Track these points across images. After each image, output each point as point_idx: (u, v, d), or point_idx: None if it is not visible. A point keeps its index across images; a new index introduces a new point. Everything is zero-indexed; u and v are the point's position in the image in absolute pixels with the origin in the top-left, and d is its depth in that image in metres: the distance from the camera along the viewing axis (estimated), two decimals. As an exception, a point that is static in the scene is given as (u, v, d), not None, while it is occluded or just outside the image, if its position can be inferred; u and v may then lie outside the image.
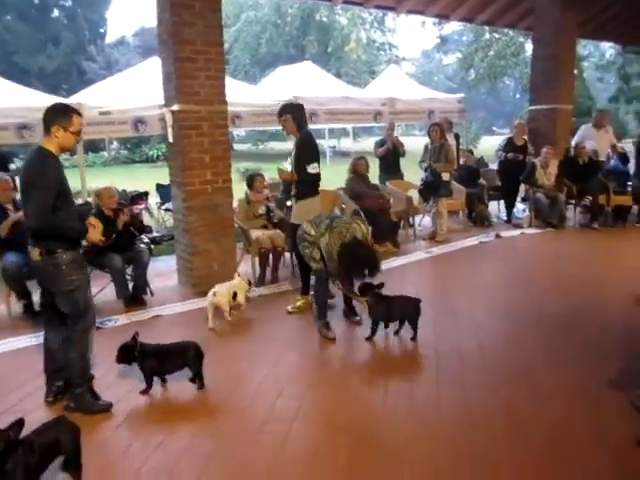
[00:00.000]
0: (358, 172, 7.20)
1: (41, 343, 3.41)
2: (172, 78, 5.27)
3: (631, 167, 8.92)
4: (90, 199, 7.29)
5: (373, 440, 2.93)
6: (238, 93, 8.71)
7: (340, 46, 27.25)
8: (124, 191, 8.02)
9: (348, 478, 2.64)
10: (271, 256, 5.80)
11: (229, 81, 9.64)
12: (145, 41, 28.78)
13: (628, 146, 10.26)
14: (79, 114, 3.17)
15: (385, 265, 6.42)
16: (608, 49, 21.58)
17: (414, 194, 7.85)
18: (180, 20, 5.12)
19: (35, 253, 3.05)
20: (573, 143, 9.09)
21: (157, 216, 8.84)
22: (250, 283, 4.91)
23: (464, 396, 3.36)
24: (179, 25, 5.13)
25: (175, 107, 5.28)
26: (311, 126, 13.53)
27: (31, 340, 4.26)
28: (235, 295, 4.60)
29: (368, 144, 26.54)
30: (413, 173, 8.80)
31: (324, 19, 26.88)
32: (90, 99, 7.84)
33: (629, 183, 8.77)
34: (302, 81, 10.05)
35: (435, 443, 2.87)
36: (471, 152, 9.68)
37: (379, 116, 9.44)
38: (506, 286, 5.80)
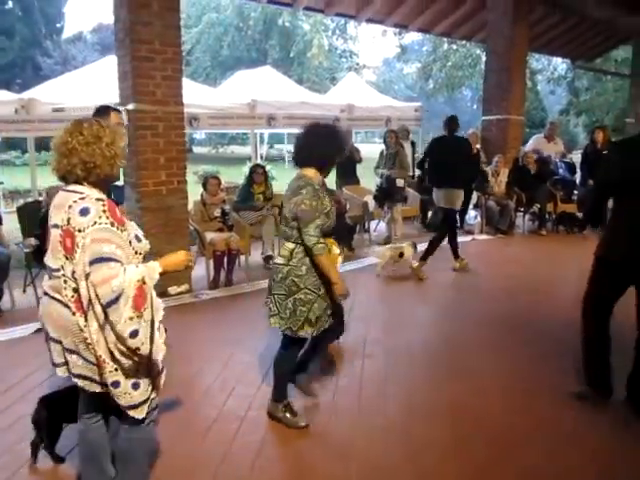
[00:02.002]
0: (315, 176, 7.28)
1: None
2: (128, 77, 5.22)
3: (578, 177, 9.32)
4: (41, 198, 7.14)
5: (321, 437, 2.99)
6: (196, 95, 8.68)
7: (302, 52, 27.37)
8: (77, 191, 7.86)
9: (296, 476, 2.69)
10: (226, 259, 5.80)
11: (188, 83, 9.59)
12: (103, 38, 28.23)
13: (577, 157, 10.69)
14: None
15: (342, 268, 6.53)
16: (560, 64, 22.36)
17: (370, 200, 7.99)
18: (137, 19, 5.08)
19: None
20: (522, 152, 9.42)
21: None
22: (415, 246, 6.32)
23: (409, 394, 3.47)
24: (136, 24, 5.09)
25: (130, 106, 5.24)
26: (270, 130, 13.57)
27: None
28: (402, 254, 6.08)
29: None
30: (370, 179, 8.94)
31: (287, 24, 26.91)
32: (44, 95, 7.68)
33: (575, 192, 9.16)
34: (262, 85, 10.10)
35: (381, 437, 2.95)
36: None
37: (337, 122, 9.55)
38: (455, 289, 5.98)
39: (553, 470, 2.70)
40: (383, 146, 7.97)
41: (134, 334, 1.95)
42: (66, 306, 2.02)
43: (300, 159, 2.96)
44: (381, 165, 7.79)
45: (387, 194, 7.65)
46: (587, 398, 3.32)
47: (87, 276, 1.93)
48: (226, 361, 3.96)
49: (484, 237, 8.44)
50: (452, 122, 6.21)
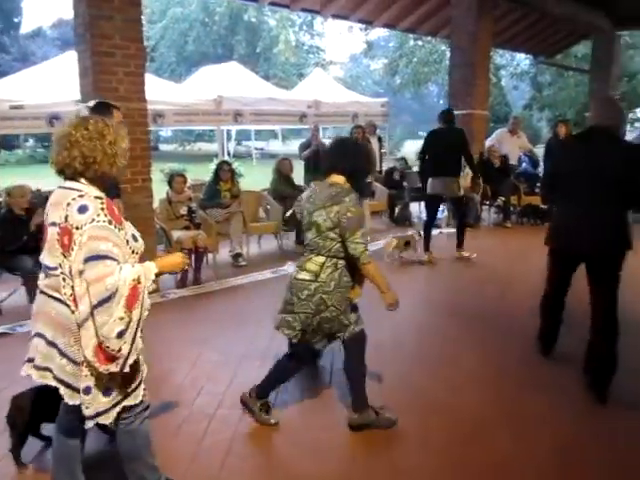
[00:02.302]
0: (282, 173, 7.27)
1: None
2: (89, 73, 5.11)
3: (541, 170, 9.52)
4: (0, 198, 6.92)
5: (292, 434, 2.99)
6: (161, 91, 8.56)
7: (269, 47, 27.27)
8: (38, 191, 7.66)
9: (266, 473, 2.69)
10: (193, 257, 5.74)
11: (152, 79, 9.44)
12: (63, 33, 27.57)
13: (541, 151, 10.92)
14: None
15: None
16: (523, 59, 22.78)
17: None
18: (97, 13, 4.97)
19: None
20: (487, 146, 9.57)
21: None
22: (420, 235, 6.72)
23: (380, 387, 3.50)
24: (96, 18, 4.98)
25: (92, 103, 5.12)
26: (236, 126, 13.51)
27: None
28: (407, 243, 6.45)
29: (297, 146, 26.70)
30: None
31: (253, 19, 26.80)
32: (2, 92, 7.45)
33: (538, 184, 9.35)
34: (227, 81, 10.02)
35: (353, 432, 2.97)
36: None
37: (304, 118, 9.56)
38: (424, 282, 6.05)
39: (522, 453, 2.76)
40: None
41: (121, 334, 1.92)
42: (65, 304, 2.00)
43: (331, 165, 2.88)
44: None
45: (354, 189, 7.66)
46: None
47: (81, 273, 1.90)
48: (195, 360, 3.92)
49: (451, 230, 8.55)
50: (448, 114, 6.71)
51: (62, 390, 2.04)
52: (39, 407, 2.56)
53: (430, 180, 6.76)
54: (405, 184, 9.21)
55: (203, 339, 4.31)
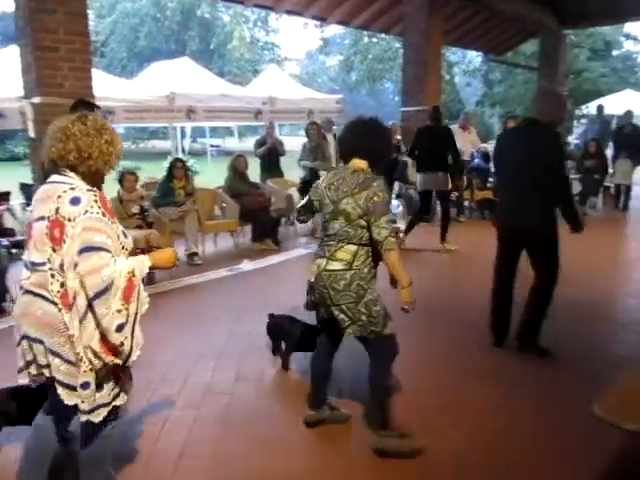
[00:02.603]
0: (237, 170, 7.21)
1: None
2: (31, 68, 4.94)
3: (492, 165, 9.76)
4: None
5: (248, 433, 2.97)
6: (111, 87, 8.35)
7: (223, 43, 26.94)
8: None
9: (221, 475, 2.66)
10: (147, 256, 5.61)
11: (101, 74, 9.20)
12: (6, 27, 26.46)
13: (492, 147, 11.17)
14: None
15: (266, 262, 6.53)
16: (475, 57, 23.24)
17: (294, 192, 8.00)
18: (39, 6, 4.81)
19: None
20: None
21: (21, 218, 8.20)
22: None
23: (336, 380, 3.51)
24: (38, 11, 4.81)
25: (36, 99, 4.96)
26: (189, 123, 13.29)
27: None
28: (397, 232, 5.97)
29: (253, 143, 26.48)
30: (296, 172, 8.95)
31: (206, 15, 26.40)
32: (-62, 89, 7.11)
33: (490, 179, 9.58)
34: (180, 77, 9.84)
35: (311, 430, 2.97)
36: None
37: (260, 115, 9.50)
38: (381, 277, 6.09)
39: (485, 436, 2.82)
40: (306, 138, 8.00)
41: (120, 327, 1.90)
42: (53, 303, 1.95)
43: (351, 149, 2.72)
44: (304, 157, 7.81)
45: (311, 186, 7.67)
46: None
47: (75, 266, 1.86)
48: (149, 360, 3.81)
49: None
50: (436, 112, 6.99)
51: (60, 390, 1.99)
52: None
53: (419, 176, 7.07)
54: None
55: (158, 339, 4.21)
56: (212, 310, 4.86)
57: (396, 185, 9.14)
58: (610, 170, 10.30)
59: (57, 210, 1.91)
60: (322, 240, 2.79)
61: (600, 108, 13.13)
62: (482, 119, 24.86)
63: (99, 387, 2.00)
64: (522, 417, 3.06)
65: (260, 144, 8.68)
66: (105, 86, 7.93)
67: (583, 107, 18.97)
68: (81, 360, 1.94)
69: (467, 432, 2.91)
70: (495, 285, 3.96)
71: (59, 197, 1.93)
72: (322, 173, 7.63)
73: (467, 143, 9.83)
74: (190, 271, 6.10)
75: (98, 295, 1.85)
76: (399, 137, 9.35)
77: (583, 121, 18.66)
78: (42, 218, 1.96)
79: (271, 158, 8.66)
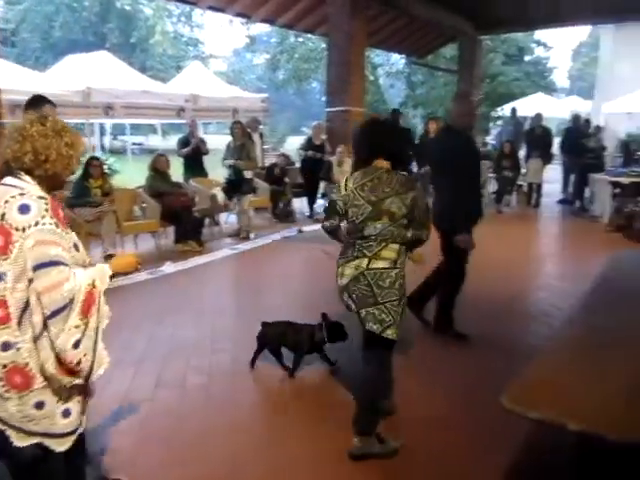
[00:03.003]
0: (158, 169, 7.00)
1: None
2: None
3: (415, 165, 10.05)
4: None
5: (164, 442, 2.89)
6: (21, 79, 7.87)
7: (145, 38, 26.07)
8: None
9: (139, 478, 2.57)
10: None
11: (11, 65, 8.66)
12: None
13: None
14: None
15: (189, 264, 6.39)
16: (399, 59, 23.80)
17: (218, 192, 7.87)
18: None
19: None
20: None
21: None
22: None
23: (260, 383, 3.49)
24: None
25: None
26: (107, 120, 12.77)
27: None
28: None
29: (176, 142, 25.79)
30: (222, 171, 8.82)
31: (127, 7, 25.44)
32: None
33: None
34: (97, 71, 9.42)
35: (231, 436, 2.93)
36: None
37: (182, 113, 9.27)
38: (305, 275, 6.13)
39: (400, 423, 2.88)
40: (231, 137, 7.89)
41: (77, 344, 1.78)
42: None
43: (376, 150, 2.69)
44: (228, 157, 7.70)
45: (235, 186, 7.60)
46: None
47: (30, 281, 1.72)
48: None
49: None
50: (395, 114, 7.29)
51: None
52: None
53: None
54: (287, 180, 9.27)
55: (71, 348, 4.02)
56: (132, 314, 4.68)
57: (322, 184, 9.20)
58: (523, 169, 10.88)
59: (3, 216, 1.75)
60: (353, 242, 2.71)
61: (514, 110, 13.82)
62: (406, 120, 25.53)
63: (66, 413, 1.86)
64: (439, 406, 3.16)
65: (183, 143, 8.48)
66: (15, 78, 7.48)
67: (498, 109, 19.91)
68: (34, 377, 1.78)
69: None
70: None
71: (6, 202, 1.77)
72: (247, 173, 7.57)
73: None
74: (108, 274, 5.85)
75: (56, 313, 1.73)
76: (324, 137, 9.43)
77: (499, 123, 19.60)
78: None
79: (194, 157, 8.48)
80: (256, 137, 9.25)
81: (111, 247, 6.13)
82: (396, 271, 2.63)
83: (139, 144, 25.80)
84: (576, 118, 11.10)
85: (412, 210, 2.62)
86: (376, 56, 23.63)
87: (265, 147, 9.96)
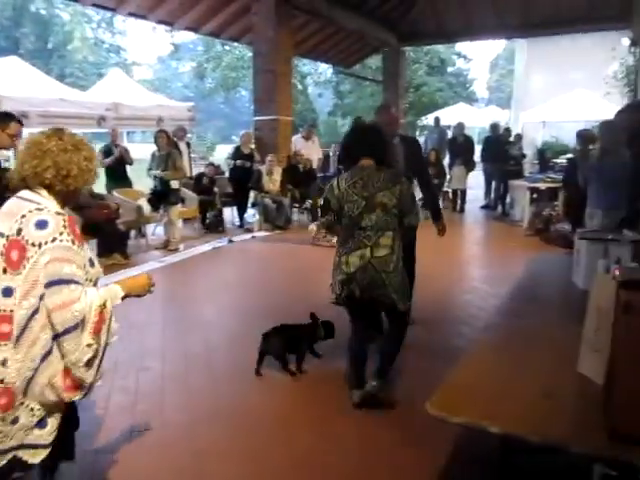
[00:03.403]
0: (79, 180, 6.69)
1: None
2: None
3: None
4: None
5: (89, 464, 2.73)
6: None
7: (62, 43, 25.00)
8: None
9: None
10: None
11: None
12: None
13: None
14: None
15: (112, 278, 6.12)
16: (327, 68, 24.14)
17: (144, 203, 7.63)
18: None
19: None
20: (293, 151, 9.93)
21: None
22: None
23: (189, 398, 3.38)
24: None
25: None
26: (23, 129, 12.01)
27: None
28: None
29: (97, 152, 24.84)
30: (147, 181, 8.56)
31: (42, 12, 24.30)
32: None
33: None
34: (9, 78, 8.89)
35: (160, 453, 2.81)
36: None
37: (103, 121, 8.91)
38: (237, 286, 6.03)
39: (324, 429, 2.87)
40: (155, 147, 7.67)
41: (90, 362, 1.83)
42: None
43: (363, 150, 3.06)
44: (154, 167, 7.48)
45: (161, 196, 7.39)
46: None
47: (41, 297, 1.73)
48: None
49: (263, 234, 8.70)
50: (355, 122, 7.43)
51: None
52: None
53: None
54: (216, 190, 9.12)
55: None
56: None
57: (252, 194, 9.14)
58: (448, 176, 11.27)
59: (19, 231, 1.75)
60: (352, 234, 3.03)
61: (437, 120, 14.30)
62: (335, 129, 25.89)
63: (41, 423, 1.85)
64: (364, 416, 3.18)
65: (105, 153, 8.17)
66: None
67: (423, 118, 20.59)
68: (13, 394, 1.77)
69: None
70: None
71: (23, 216, 1.77)
72: (174, 183, 7.38)
73: (311, 152, 10.15)
74: None
75: (68, 331, 1.74)
76: (253, 146, 9.37)
77: (425, 132, 20.26)
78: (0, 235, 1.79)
79: (118, 167, 8.20)
80: (183, 146, 9.06)
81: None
82: (395, 255, 3.01)
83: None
84: (494, 127, 11.63)
85: (401, 200, 2.99)
86: (304, 65, 23.86)
87: (193, 156, 9.77)
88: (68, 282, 1.74)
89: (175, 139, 8.53)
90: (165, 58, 40.73)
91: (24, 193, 1.85)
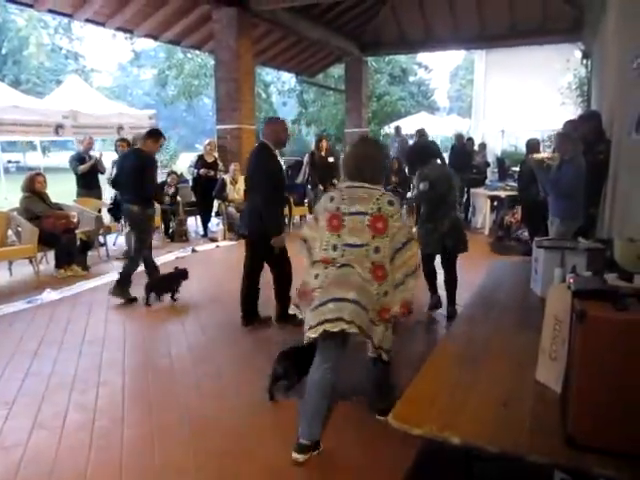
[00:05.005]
0: (35, 190, 6.49)
1: None
2: None
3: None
4: None
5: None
6: None
7: (17, 49, 24.29)
8: None
9: None
10: None
11: None
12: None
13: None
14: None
15: (73, 290, 5.96)
16: (290, 77, 24.14)
17: (104, 213, 7.46)
18: None
19: None
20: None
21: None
22: None
23: (150, 411, 3.30)
24: None
25: None
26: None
27: None
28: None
29: (61, 159, 24.27)
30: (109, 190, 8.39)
31: (-4, 17, 23.61)
32: None
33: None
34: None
35: (117, 470, 2.72)
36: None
37: (61, 129, 8.69)
38: (201, 297, 5.93)
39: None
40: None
41: (412, 295, 2.77)
42: (364, 274, 2.61)
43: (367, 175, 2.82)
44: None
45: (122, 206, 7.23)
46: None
47: (397, 251, 2.65)
48: None
49: (227, 243, 8.62)
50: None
51: (360, 336, 2.57)
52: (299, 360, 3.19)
53: None
54: (179, 199, 9.00)
55: None
56: (5, 349, 4.27)
57: (215, 202, 9.05)
58: (412, 185, 11.37)
59: (379, 209, 2.63)
60: (437, 208, 4.79)
61: (398, 129, 14.48)
62: (300, 137, 25.92)
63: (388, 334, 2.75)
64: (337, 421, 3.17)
65: (78, 160, 8.00)
66: None
67: (386, 127, 20.80)
68: (378, 315, 2.65)
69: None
70: (245, 281, 4.81)
71: (377, 199, 2.65)
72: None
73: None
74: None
75: (412, 273, 2.69)
76: (216, 155, 9.29)
77: (388, 141, 20.47)
78: (361, 213, 2.64)
79: (91, 175, 8.06)
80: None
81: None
82: None
83: (16, 162, 23.96)
84: (460, 137, 11.81)
85: None
86: (267, 74, 23.81)
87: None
88: (412, 240, 2.73)
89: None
90: (125, 65, 40.13)
91: (357, 183, 2.75)
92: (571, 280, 1.68)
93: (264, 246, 4.52)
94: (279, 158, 5.05)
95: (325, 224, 2.73)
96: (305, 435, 2.72)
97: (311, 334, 2.57)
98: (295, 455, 2.71)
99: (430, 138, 12.16)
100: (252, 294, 4.83)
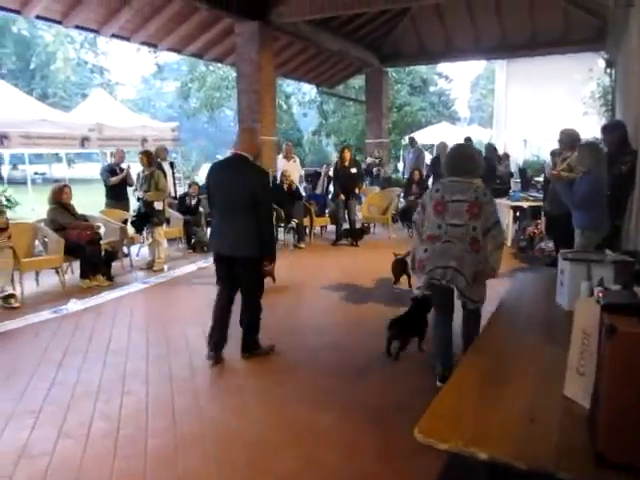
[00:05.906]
0: (60, 201, 6.62)
1: None
2: None
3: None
4: None
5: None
6: None
7: (45, 64, 24.88)
8: None
9: None
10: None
11: None
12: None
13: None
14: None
15: (97, 300, 6.05)
16: (310, 88, 24.29)
17: (128, 224, 7.57)
18: None
19: None
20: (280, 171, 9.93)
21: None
22: None
23: (173, 421, 3.32)
24: None
25: None
26: (4, 150, 12.02)
27: None
28: None
29: (86, 170, 24.74)
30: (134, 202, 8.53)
31: (24, 32, 24.19)
32: None
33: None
34: (-11, 99, 8.85)
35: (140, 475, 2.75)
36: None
37: (87, 142, 8.87)
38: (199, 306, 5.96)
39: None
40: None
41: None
42: (465, 247, 3.37)
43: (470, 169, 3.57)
44: (138, 187, 7.45)
45: (145, 218, 7.34)
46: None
47: (488, 230, 3.38)
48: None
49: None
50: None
51: (460, 297, 3.48)
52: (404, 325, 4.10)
53: None
54: (201, 209, 9.08)
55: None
56: (31, 359, 4.34)
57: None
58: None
59: (476, 198, 3.37)
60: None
61: (412, 139, 14.41)
62: (320, 147, 26.01)
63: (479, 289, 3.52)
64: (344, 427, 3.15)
65: (109, 172, 8.18)
66: None
67: (406, 137, 20.75)
68: (475, 280, 3.41)
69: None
70: (217, 300, 4.28)
71: (475, 190, 3.40)
72: (157, 204, 7.34)
73: (293, 171, 10.17)
74: (5, 315, 5.42)
75: (500, 246, 3.47)
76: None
77: (410, 149, 20.42)
78: (460, 201, 3.38)
79: (120, 187, 8.23)
80: (166, 166, 9.03)
81: (8, 286, 5.70)
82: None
83: (42, 174, 24.45)
84: (491, 148, 11.66)
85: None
86: (288, 86, 24.01)
87: (178, 176, 9.72)
88: (499, 221, 3.46)
89: (158, 159, 8.51)
90: (149, 78, 40.78)
91: (455, 178, 3.48)
92: (600, 294, 1.66)
93: (251, 270, 4.10)
94: None
95: (431, 210, 3.50)
96: (447, 364, 3.53)
97: (423, 290, 3.58)
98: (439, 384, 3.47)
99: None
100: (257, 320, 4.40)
